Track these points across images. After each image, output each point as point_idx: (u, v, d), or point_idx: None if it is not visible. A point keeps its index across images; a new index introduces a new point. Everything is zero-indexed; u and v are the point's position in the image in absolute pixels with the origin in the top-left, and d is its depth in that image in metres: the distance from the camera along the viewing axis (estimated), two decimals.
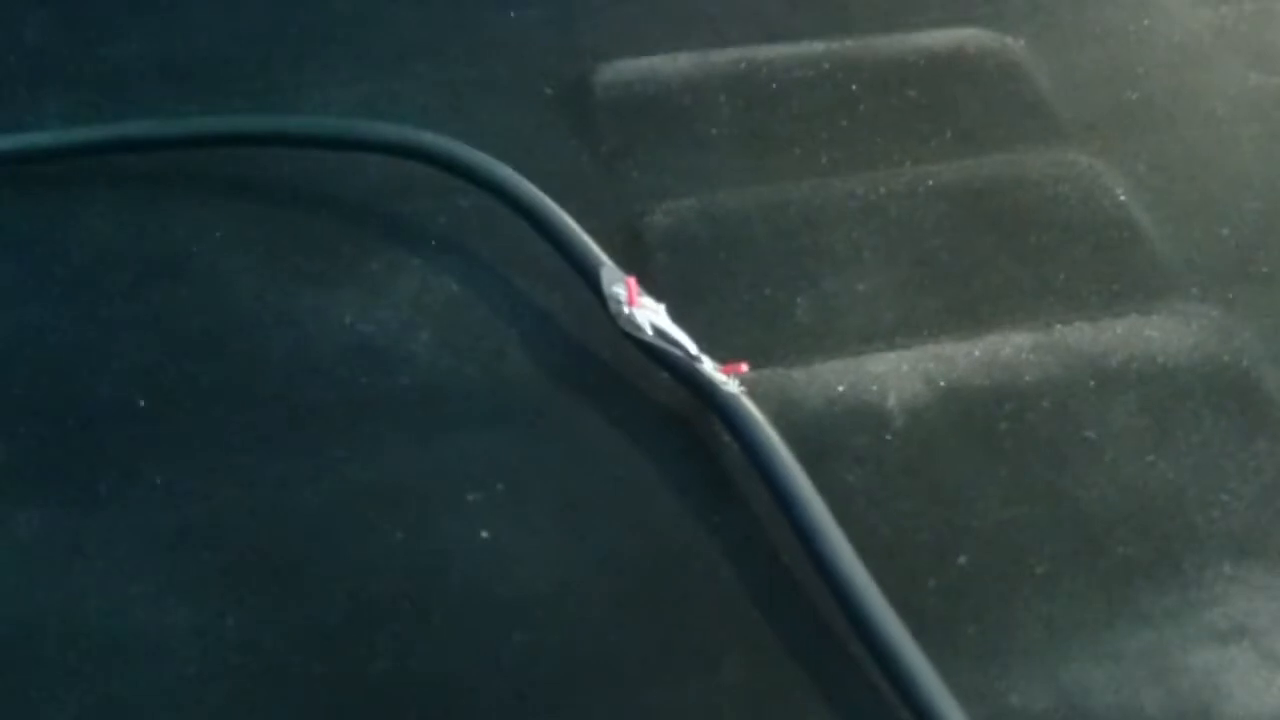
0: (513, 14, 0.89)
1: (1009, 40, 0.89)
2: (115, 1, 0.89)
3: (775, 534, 0.60)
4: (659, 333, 0.65)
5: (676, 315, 0.66)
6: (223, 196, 0.76)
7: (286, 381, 0.67)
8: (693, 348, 0.64)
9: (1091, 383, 0.67)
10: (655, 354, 0.65)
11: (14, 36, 0.87)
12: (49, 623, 0.57)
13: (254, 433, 0.64)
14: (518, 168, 0.73)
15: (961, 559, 0.59)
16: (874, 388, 0.66)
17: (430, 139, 0.74)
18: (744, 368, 0.64)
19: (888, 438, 0.64)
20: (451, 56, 0.87)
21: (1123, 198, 0.77)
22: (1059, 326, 0.69)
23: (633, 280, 0.66)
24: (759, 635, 0.57)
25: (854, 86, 0.84)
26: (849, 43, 0.87)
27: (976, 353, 0.68)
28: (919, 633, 0.54)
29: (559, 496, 0.62)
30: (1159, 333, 0.69)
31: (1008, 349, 0.68)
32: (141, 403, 0.65)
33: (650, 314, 0.65)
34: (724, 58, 0.86)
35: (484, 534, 0.60)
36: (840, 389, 0.66)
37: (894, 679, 0.53)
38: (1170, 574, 0.59)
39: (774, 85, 0.84)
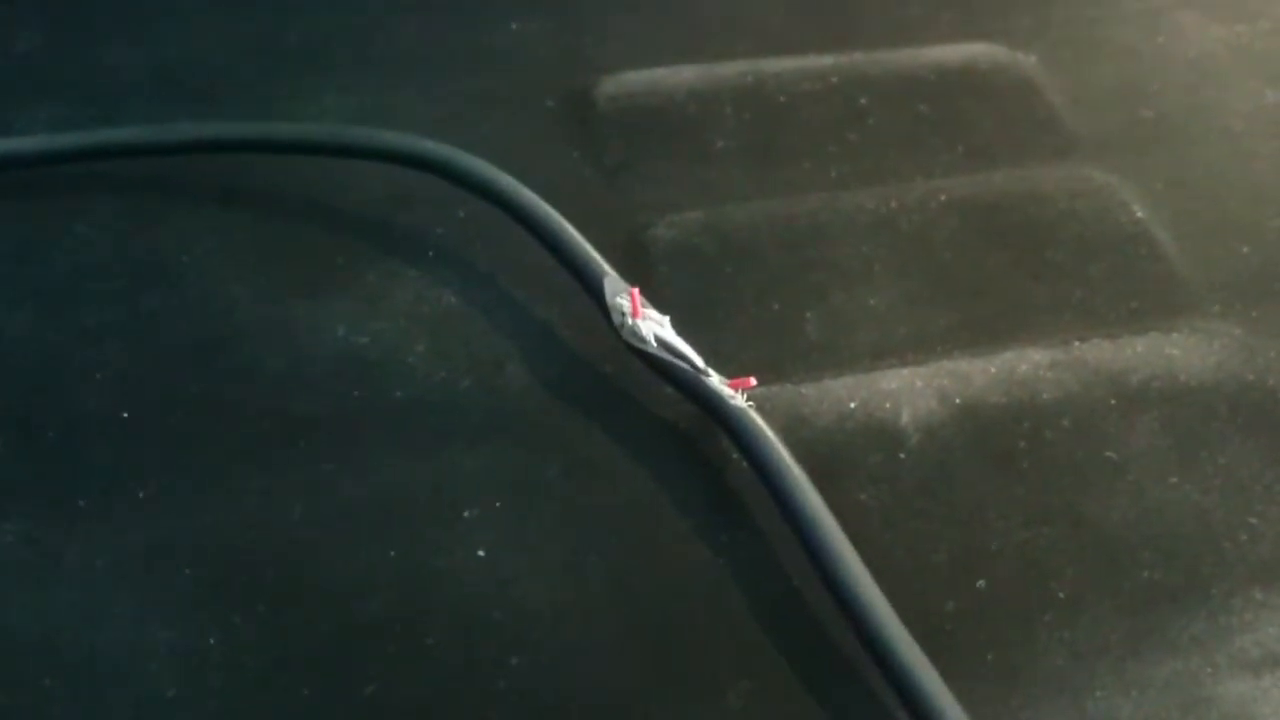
0: (514, 25, 0.88)
1: (1020, 56, 0.87)
2: (108, 9, 0.87)
3: (785, 554, 0.57)
4: (663, 345, 0.62)
5: (681, 330, 0.64)
6: (215, 204, 0.74)
7: (277, 394, 0.64)
8: (699, 361, 0.62)
9: (1112, 401, 0.64)
10: (660, 367, 0.63)
11: (4, 43, 0.85)
12: (23, 641, 0.55)
13: (242, 446, 0.62)
14: (519, 180, 0.71)
15: (980, 582, 0.57)
16: (887, 404, 0.64)
17: (430, 146, 0.72)
18: (752, 382, 0.61)
19: (902, 456, 0.62)
20: (452, 68, 0.85)
21: (1140, 214, 0.75)
22: (1077, 343, 0.67)
23: (636, 291, 0.64)
24: (768, 661, 0.54)
25: (863, 100, 0.83)
26: (858, 56, 0.86)
27: (992, 369, 0.66)
28: (936, 659, 0.52)
29: (559, 514, 0.60)
30: (1180, 351, 0.67)
31: (1024, 366, 0.66)
32: (125, 414, 0.63)
33: (655, 326, 0.63)
34: (730, 70, 0.84)
35: (480, 553, 0.58)
36: (852, 405, 0.64)
37: (913, 708, 0.50)
38: (1197, 600, 0.57)
39: (781, 98, 0.82)
